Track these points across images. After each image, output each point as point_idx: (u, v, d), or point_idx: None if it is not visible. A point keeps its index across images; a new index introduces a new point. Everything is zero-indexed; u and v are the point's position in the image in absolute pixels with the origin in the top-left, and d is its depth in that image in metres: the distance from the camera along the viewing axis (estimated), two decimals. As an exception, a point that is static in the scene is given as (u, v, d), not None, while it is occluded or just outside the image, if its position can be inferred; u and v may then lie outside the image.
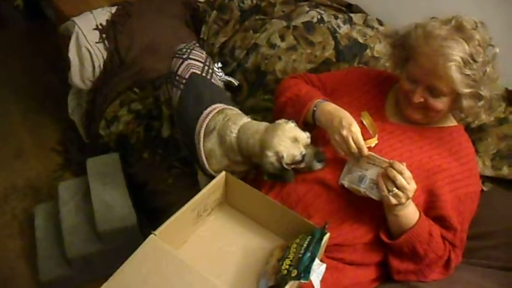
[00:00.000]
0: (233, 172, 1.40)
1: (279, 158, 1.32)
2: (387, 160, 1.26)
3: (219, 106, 1.55)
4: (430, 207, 1.36)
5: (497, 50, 1.33)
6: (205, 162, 1.51)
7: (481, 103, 1.33)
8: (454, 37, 1.27)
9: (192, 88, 1.64)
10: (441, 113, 1.39)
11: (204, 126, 1.51)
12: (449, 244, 1.36)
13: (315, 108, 1.45)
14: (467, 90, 1.28)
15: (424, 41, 1.32)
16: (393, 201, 1.23)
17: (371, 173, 1.30)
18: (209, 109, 1.53)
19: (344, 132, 1.31)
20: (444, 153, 1.40)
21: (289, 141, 1.33)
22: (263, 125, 1.42)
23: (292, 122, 1.38)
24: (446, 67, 1.25)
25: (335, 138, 1.35)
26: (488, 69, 1.29)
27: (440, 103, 1.34)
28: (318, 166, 1.38)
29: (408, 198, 1.23)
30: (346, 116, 1.35)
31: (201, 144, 1.50)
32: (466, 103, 1.32)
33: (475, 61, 1.26)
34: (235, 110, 1.56)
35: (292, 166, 1.35)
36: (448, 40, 1.27)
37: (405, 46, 1.40)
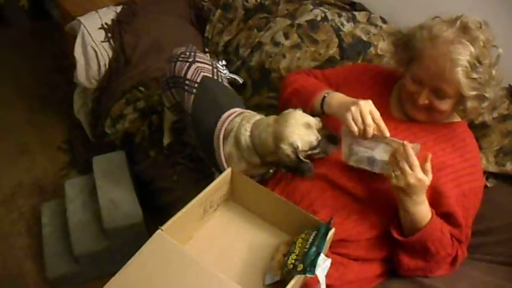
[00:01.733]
0: (252, 176, 1.38)
1: (295, 150, 1.30)
2: (395, 140, 1.27)
3: (237, 110, 1.53)
4: (435, 203, 1.36)
5: (501, 50, 1.33)
6: (226, 166, 1.49)
7: (485, 104, 1.34)
8: (461, 39, 1.27)
9: (206, 92, 1.61)
10: (445, 114, 1.40)
11: (223, 130, 1.49)
12: (456, 241, 1.37)
13: (326, 95, 1.44)
14: (472, 93, 1.29)
15: (430, 44, 1.31)
16: (393, 181, 1.24)
17: (379, 154, 1.29)
18: (227, 112, 1.51)
19: (362, 103, 1.28)
20: (448, 149, 1.41)
21: (303, 128, 1.32)
22: (273, 117, 1.41)
23: (299, 109, 1.38)
24: (453, 71, 1.25)
25: (351, 110, 1.28)
26: (494, 72, 1.30)
27: (445, 105, 1.35)
28: (333, 148, 1.36)
29: (407, 184, 1.22)
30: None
31: (221, 148, 1.49)
32: (470, 104, 1.33)
33: (481, 63, 1.27)
34: (252, 112, 1.54)
35: (309, 153, 1.33)
36: (455, 44, 1.27)
37: (409, 46, 1.40)
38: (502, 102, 1.63)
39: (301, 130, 1.32)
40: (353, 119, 1.29)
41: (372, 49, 1.98)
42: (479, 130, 1.62)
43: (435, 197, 1.36)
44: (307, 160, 1.33)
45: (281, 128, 1.33)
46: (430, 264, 1.36)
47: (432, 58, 1.30)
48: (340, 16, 2.13)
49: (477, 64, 1.26)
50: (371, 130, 1.27)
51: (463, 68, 1.25)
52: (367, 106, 1.28)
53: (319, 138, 1.33)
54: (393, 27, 2.04)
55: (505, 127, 1.61)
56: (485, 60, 1.27)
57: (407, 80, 1.41)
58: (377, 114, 1.29)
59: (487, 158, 1.59)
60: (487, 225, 1.52)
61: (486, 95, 1.31)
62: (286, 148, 1.31)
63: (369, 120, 1.27)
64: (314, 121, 1.35)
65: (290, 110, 1.38)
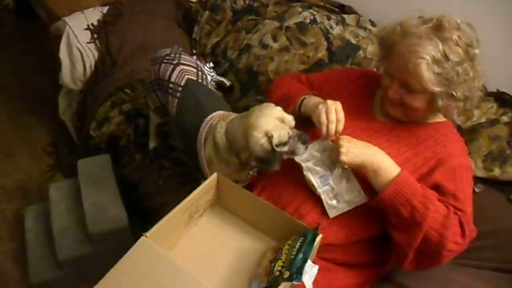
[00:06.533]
0: (237, 181, 1.36)
1: (269, 138, 1.28)
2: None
3: (220, 113, 1.52)
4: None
5: (477, 51, 1.32)
6: (207, 171, 1.48)
7: (456, 103, 1.33)
8: (430, 36, 1.28)
9: (190, 95, 1.59)
10: (419, 112, 1.38)
11: (204, 133, 1.47)
12: (453, 208, 1.27)
13: (305, 97, 1.49)
14: (438, 89, 1.28)
15: (400, 39, 1.33)
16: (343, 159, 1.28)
17: (334, 179, 1.34)
18: (210, 116, 1.50)
19: (329, 102, 1.35)
20: (430, 144, 1.40)
21: (277, 121, 1.30)
22: (246, 112, 1.38)
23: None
24: (415, 64, 1.26)
25: (319, 107, 1.37)
26: (460, 69, 1.28)
27: (416, 101, 1.34)
28: (301, 149, 1.32)
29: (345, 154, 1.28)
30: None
31: (202, 152, 1.47)
32: (441, 102, 1.32)
33: (448, 59, 1.26)
34: (233, 114, 1.52)
35: (277, 149, 1.30)
36: (422, 39, 1.28)
37: (385, 41, 1.42)
38: (490, 107, 1.63)
39: (274, 122, 1.30)
40: (318, 115, 1.35)
41: (361, 52, 1.98)
42: (467, 134, 1.62)
43: (422, 183, 1.31)
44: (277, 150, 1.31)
45: (255, 118, 1.31)
46: (430, 231, 1.24)
47: (399, 52, 1.32)
48: (329, 18, 2.12)
49: (443, 60, 1.26)
50: (332, 127, 1.33)
51: (425, 61, 1.25)
52: (333, 105, 1.35)
53: (290, 134, 1.31)
54: (380, 27, 2.04)
55: (493, 132, 1.61)
56: (454, 58, 1.26)
57: (383, 75, 1.43)
58: (340, 114, 1.35)
59: (475, 163, 1.59)
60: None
61: (454, 93, 1.29)
62: (259, 137, 1.28)
63: (332, 116, 1.33)
64: (288, 118, 1.33)
65: (266, 103, 1.37)
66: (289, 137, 1.31)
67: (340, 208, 1.34)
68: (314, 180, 1.35)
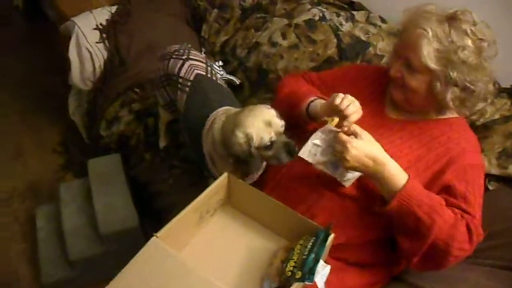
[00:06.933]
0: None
1: (248, 141, 1.28)
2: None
3: (225, 108, 1.51)
4: (434, 185, 1.31)
5: (486, 44, 1.30)
6: (212, 167, 1.48)
7: (453, 89, 1.31)
8: (441, 19, 1.29)
9: (198, 90, 1.60)
10: (419, 97, 1.37)
11: (207, 128, 1.47)
12: (461, 211, 1.25)
13: (313, 99, 1.45)
14: (435, 66, 1.27)
15: (412, 19, 1.35)
16: (345, 165, 1.22)
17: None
18: (216, 111, 1.50)
19: (350, 96, 1.30)
20: (443, 141, 1.38)
21: (262, 123, 1.29)
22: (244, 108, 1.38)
23: (274, 110, 1.35)
24: (417, 34, 1.28)
25: (338, 93, 1.30)
26: (461, 53, 1.27)
27: (415, 81, 1.33)
28: (285, 158, 1.31)
29: (351, 157, 1.20)
30: None
31: (204, 147, 1.47)
32: (440, 87, 1.31)
33: (450, 39, 1.27)
34: (238, 109, 1.50)
35: (254, 152, 1.30)
36: (432, 19, 1.29)
37: (402, 24, 1.42)
38: (504, 103, 1.60)
39: (259, 124, 1.29)
40: (338, 97, 1.29)
41: (371, 49, 1.96)
42: (481, 131, 1.60)
43: (433, 184, 1.32)
44: (256, 153, 1.30)
45: (243, 116, 1.32)
46: (436, 241, 1.22)
47: (407, 25, 1.35)
48: (338, 15, 2.11)
49: (444, 38, 1.27)
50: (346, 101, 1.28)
51: (427, 33, 1.27)
52: (350, 97, 1.30)
53: (274, 139, 1.30)
54: (392, 27, 2.02)
55: (507, 129, 1.59)
56: (458, 42, 1.27)
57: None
58: (358, 104, 1.30)
59: (489, 160, 1.57)
60: (488, 229, 1.47)
61: (452, 74, 1.28)
62: (240, 137, 1.29)
63: (349, 99, 1.28)
64: (277, 123, 1.31)
65: (261, 105, 1.36)
66: (273, 142, 1.30)
67: (355, 176, 1.31)
68: (325, 169, 1.31)
